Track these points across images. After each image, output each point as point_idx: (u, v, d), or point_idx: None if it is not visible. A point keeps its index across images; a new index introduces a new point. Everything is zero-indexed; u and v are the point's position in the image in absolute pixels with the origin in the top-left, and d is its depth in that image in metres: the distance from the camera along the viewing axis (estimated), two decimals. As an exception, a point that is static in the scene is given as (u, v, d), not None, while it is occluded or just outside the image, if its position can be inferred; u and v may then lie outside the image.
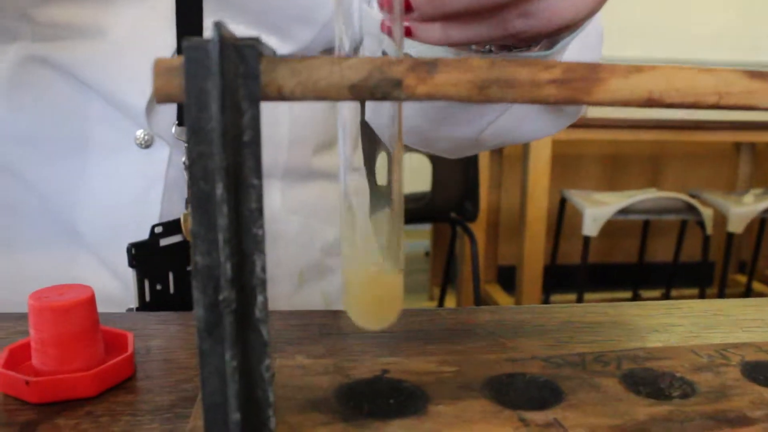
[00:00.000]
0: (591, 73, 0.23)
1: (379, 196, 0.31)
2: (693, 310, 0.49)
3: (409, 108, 0.49)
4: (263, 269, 0.24)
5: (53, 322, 0.34)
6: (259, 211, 0.23)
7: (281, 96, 0.22)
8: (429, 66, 0.22)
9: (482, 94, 0.23)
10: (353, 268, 0.30)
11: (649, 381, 0.35)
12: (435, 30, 0.34)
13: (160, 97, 0.22)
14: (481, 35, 0.34)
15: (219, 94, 0.22)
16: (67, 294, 0.35)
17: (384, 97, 0.22)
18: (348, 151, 0.31)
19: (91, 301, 0.35)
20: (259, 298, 0.24)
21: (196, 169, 0.22)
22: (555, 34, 0.35)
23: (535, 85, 0.23)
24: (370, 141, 0.31)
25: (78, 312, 0.35)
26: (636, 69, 0.24)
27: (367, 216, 0.31)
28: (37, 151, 0.55)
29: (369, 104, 0.52)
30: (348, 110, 0.30)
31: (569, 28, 0.35)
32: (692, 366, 0.36)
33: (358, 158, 0.31)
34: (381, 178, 0.32)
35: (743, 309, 0.49)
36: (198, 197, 0.23)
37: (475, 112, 0.49)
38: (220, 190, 0.22)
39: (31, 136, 0.55)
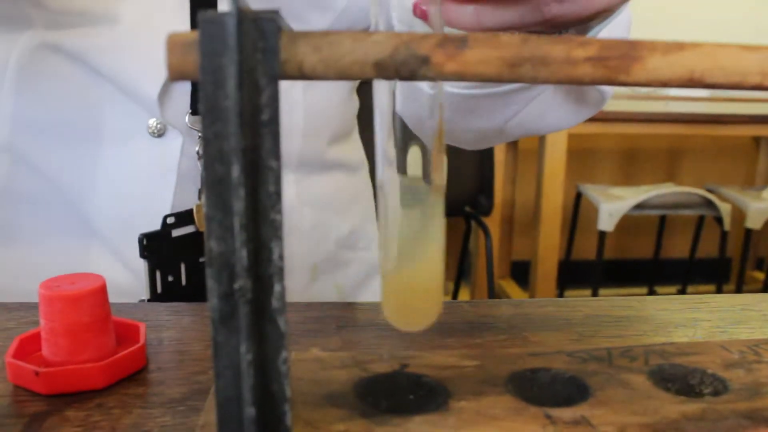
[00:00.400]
0: (630, 50, 0.22)
1: (411, 191, 0.29)
2: (720, 305, 0.48)
3: None
4: (281, 257, 0.22)
5: (64, 311, 0.33)
6: (278, 194, 0.22)
7: (302, 73, 0.21)
8: (458, 42, 0.21)
9: (513, 73, 0.22)
10: (390, 271, 0.28)
11: (678, 377, 0.33)
12: (467, 14, 0.33)
13: (173, 74, 0.21)
14: (515, 20, 0.33)
15: (236, 70, 0.20)
16: (78, 283, 0.34)
17: (411, 76, 0.21)
18: (384, 142, 0.28)
19: (102, 291, 0.34)
20: (277, 288, 0.23)
21: (212, 150, 0.21)
22: (588, 21, 0.34)
23: (569, 63, 0.22)
24: (402, 133, 0.29)
25: (89, 301, 0.34)
26: (677, 46, 0.22)
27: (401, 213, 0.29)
28: (49, 139, 0.54)
29: (400, 94, 0.51)
30: (384, 96, 0.28)
31: (603, 14, 0.33)
32: (723, 362, 0.35)
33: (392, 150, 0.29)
34: (413, 173, 0.29)
35: (772, 304, 0.48)
36: (213, 180, 0.21)
37: (502, 102, 0.48)
38: (236, 172, 0.21)
39: (44, 123, 0.54)
